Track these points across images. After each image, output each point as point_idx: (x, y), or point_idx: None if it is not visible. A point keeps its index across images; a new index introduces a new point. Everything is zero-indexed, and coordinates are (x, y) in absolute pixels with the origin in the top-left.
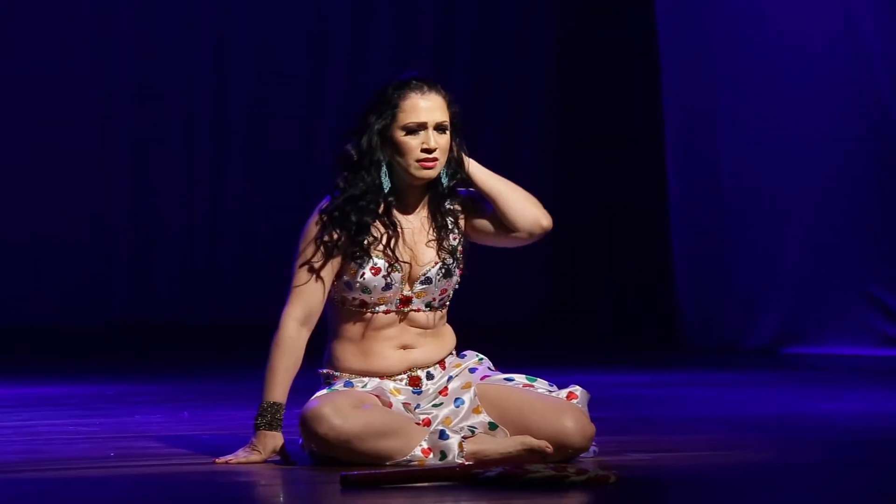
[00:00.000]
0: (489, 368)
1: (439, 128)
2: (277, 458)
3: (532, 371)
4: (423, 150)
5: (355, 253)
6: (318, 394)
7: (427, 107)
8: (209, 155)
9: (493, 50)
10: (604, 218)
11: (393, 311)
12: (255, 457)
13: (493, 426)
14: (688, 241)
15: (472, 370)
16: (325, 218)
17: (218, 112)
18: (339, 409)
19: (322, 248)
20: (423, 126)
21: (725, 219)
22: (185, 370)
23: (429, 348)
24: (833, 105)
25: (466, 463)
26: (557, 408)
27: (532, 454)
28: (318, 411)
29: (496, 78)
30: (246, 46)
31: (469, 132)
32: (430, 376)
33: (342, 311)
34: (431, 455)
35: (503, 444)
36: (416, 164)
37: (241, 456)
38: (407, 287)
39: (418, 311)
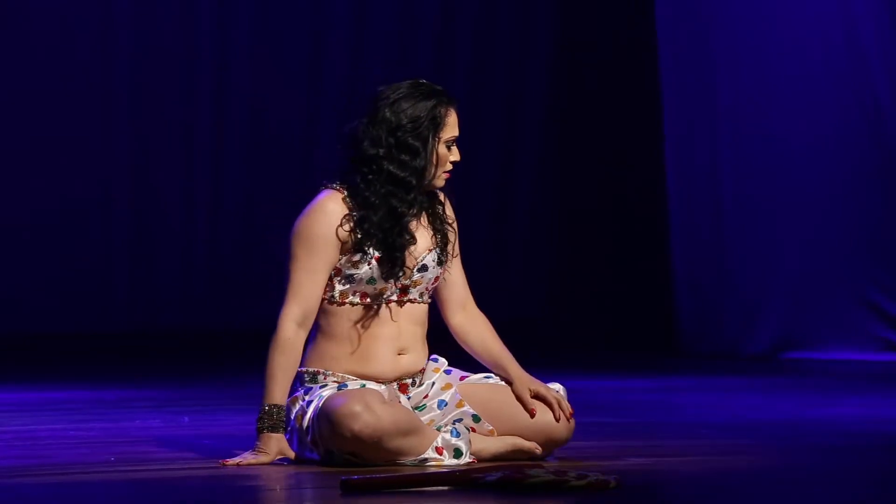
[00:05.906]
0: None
1: None
2: (282, 459)
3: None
4: (452, 162)
5: (359, 246)
6: (329, 393)
7: (457, 121)
8: (209, 153)
9: (493, 50)
10: (603, 220)
11: (394, 302)
12: (263, 458)
13: (476, 418)
14: (687, 246)
15: (447, 372)
16: (349, 216)
17: (218, 110)
18: (371, 407)
19: (325, 246)
20: (455, 140)
21: (724, 224)
22: (185, 375)
23: (418, 355)
24: (833, 109)
25: (469, 466)
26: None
27: (522, 454)
28: (350, 409)
29: (496, 78)
30: (246, 45)
31: (468, 132)
32: (415, 383)
33: (338, 310)
34: (445, 453)
35: (495, 443)
36: (444, 174)
37: (248, 458)
38: (405, 277)
39: (414, 301)
